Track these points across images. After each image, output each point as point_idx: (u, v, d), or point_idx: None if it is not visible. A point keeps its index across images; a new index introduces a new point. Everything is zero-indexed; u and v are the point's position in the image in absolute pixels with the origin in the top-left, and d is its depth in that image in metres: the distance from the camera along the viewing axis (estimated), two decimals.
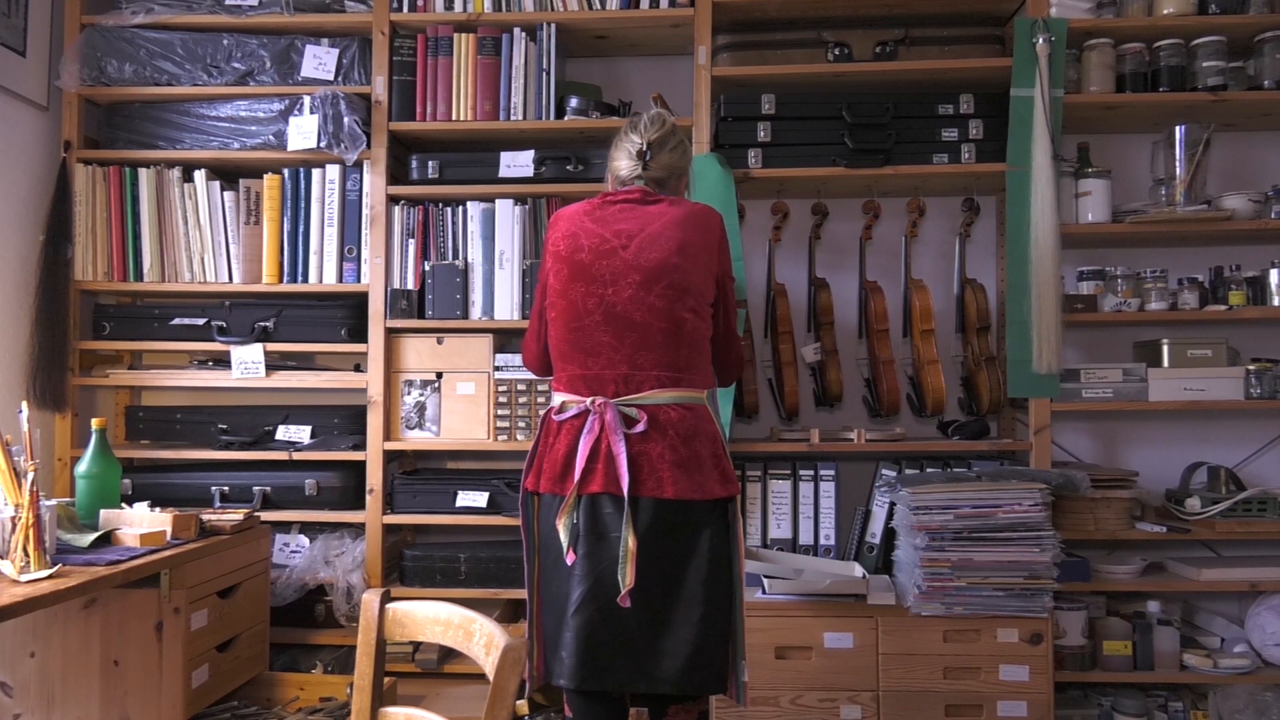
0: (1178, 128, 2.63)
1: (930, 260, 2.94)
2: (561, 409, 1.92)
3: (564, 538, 1.83)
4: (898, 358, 2.76)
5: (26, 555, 1.79)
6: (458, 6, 2.75)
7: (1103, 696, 2.57)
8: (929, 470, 2.60)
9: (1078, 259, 2.86)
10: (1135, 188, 2.84)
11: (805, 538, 2.68)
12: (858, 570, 2.56)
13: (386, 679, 2.01)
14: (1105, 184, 2.68)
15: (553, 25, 2.70)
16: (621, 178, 2.02)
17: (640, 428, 1.83)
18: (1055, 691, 2.38)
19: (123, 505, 2.24)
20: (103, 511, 2.18)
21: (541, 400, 2.68)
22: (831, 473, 2.69)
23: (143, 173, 2.80)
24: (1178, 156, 2.62)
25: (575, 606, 1.80)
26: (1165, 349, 2.64)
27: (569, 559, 1.83)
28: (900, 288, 2.84)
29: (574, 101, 2.72)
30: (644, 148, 1.98)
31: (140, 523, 2.14)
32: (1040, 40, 2.56)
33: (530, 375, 2.68)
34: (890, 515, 2.65)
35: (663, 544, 1.81)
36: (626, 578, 1.77)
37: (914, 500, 2.39)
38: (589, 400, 1.87)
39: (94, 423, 2.28)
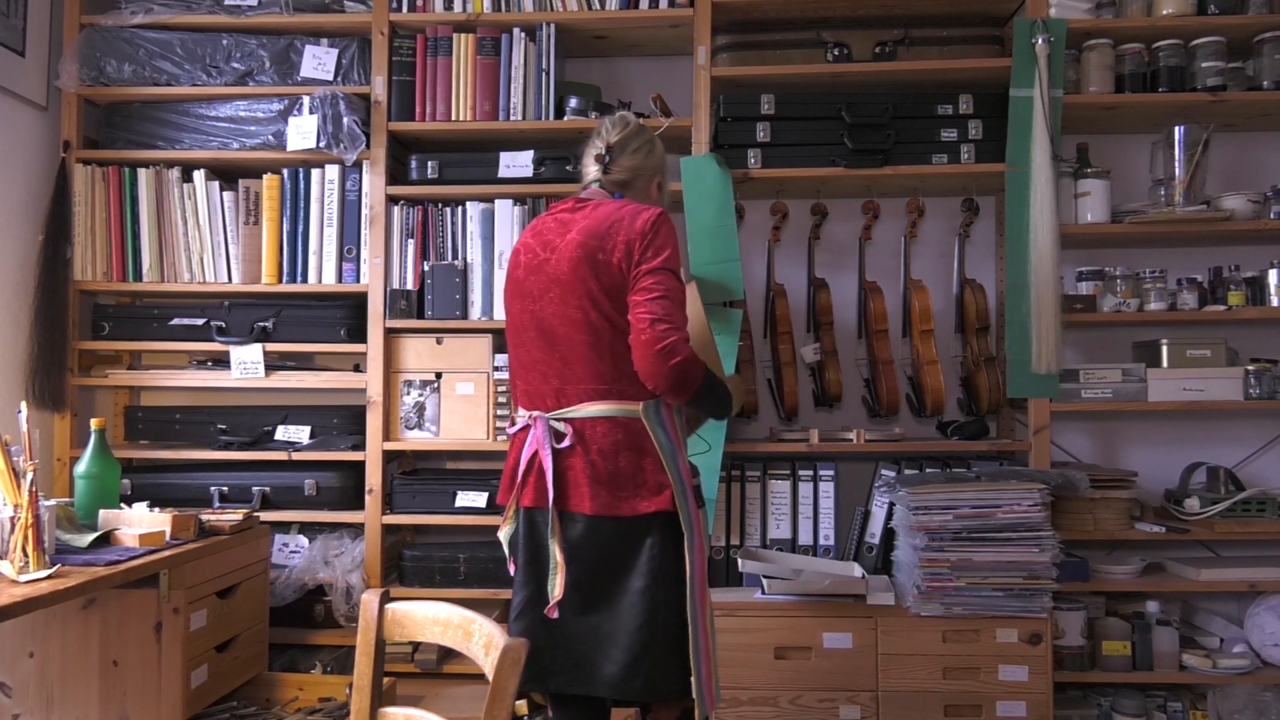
0: (1177, 128, 2.62)
1: (929, 260, 2.94)
2: (513, 422, 1.96)
3: (505, 547, 1.92)
4: (897, 358, 2.76)
5: (25, 555, 1.79)
6: (457, 7, 2.75)
7: (1102, 697, 2.57)
8: (928, 470, 2.60)
9: (1077, 259, 2.86)
10: (1134, 188, 2.84)
11: (805, 538, 2.68)
12: (857, 570, 2.56)
13: (386, 679, 2.01)
14: (1104, 184, 2.68)
15: (552, 25, 2.70)
16: (585, 181, 2.01)
17: (566, 443, 1.83)
18: (1054, 692, 2.38)
19: (122, 505, 2.24)
20: (102, 512, 2.18)
21: None
22: (831, 473, 2.69)
23: (142, 173, 2.80)
24: (1177, 157, 2.62)
25: (517, 613, 1.87)
26: (1164, 349, 2.64)
27: (510, 568, 1.92)
28: (899, 288, 2.84)
29: (573, 102, 2.72)
30: (603, 151, 1.96)
31: (139, 523, 2.14)
32: (1039, 40, 2.56)
33: None
34: (889, 515, 2.65)
35: (597, 555, 1.83)
36: (555, 589, 1.80)
37: (913, 500, 2.39)
38: (530, 414, 1.90)
39: (93, 423, 2.27)
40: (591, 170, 1.99)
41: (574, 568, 1.82)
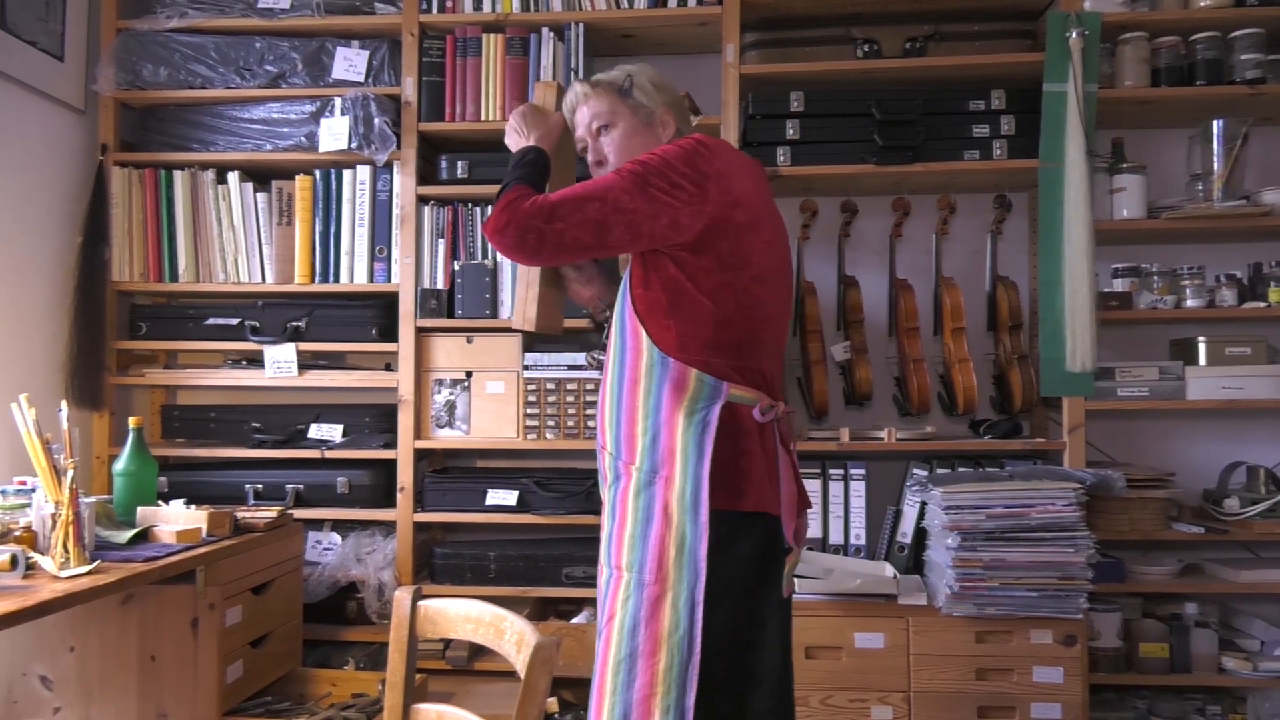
0: (1215, 122, 2.58)
1: (961, 257, 2.91)
2: (763, 411, 1.54)
3: (789, 577, 1.60)
4: (928, 356, 2.74)
5: (66, 551, 1.83)
6: (486, 7, 2.76)
7: (1139, 699, 2.54)
8: (960, 470, 2.58)
9: (1112, 256, 2.81)
10: (1171, 183, 2.79)
11: (835, 537, 2.67)
12: (888, 570, 2.54)
13: (418, 676, 2.03)
14: (1140, 179, 2.64)
15: (580, 25, 2.70)
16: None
17: (794, 444, 1.65)
18: (1090, 693, 2.35)
19: (159, 503, 2.27)
20: (140, 509, 2.21)
21: (571, 399, 2.68)
22: (861, 472, 2.68)
23: (177, 175, 2.84)
24: (1215, 151, 2.58)
25: (781, 675, 1.58)
26: (1202, 347, 2.60)
27: (786, 590, 1.59)
28: (930, 285, 2.81)
29: None
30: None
31: (176, 520, 2.17)
32: (1073, 35, 2.53)
33: (559, 375, 2.68)
34: (921, 515, 2.62)
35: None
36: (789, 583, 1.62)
37: (946, 500, 2.37)
38: (780, 405, 1.57)
39: (131, 421, 2.31)
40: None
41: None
